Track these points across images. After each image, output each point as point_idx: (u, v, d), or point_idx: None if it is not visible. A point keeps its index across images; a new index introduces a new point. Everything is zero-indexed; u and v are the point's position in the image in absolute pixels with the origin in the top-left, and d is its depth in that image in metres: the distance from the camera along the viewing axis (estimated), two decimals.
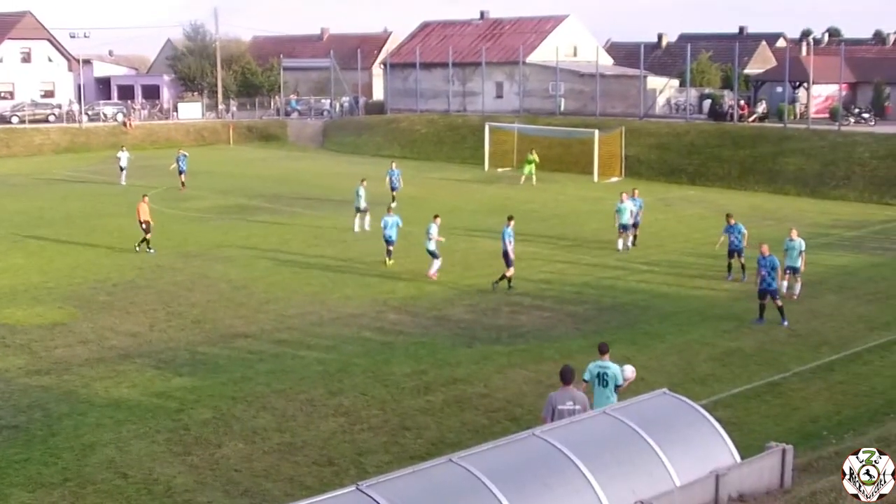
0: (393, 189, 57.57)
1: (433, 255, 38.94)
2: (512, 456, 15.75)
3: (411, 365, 28.08)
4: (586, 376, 20.34)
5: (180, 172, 66.81)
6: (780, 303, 32.50)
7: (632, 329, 31.89)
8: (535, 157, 69.38)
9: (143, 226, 44.03)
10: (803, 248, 35.88)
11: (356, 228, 48.97)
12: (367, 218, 48.60)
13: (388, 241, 41.54)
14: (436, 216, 39.47)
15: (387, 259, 41.74)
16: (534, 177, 68.36)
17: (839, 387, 26.53)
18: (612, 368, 20.08)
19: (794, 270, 35.63)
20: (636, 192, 46.31)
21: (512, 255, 37.29)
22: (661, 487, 15.77)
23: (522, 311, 34.45)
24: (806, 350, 29.75)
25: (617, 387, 20.04)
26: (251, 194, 63.03)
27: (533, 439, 16.07)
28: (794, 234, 36.29)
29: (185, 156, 68.12)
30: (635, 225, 45.34)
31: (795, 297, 35.27)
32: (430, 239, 38.80)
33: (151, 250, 43.69)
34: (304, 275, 39.66)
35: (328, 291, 36.96)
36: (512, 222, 37.84)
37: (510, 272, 37.27)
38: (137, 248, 43.85)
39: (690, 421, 17.44)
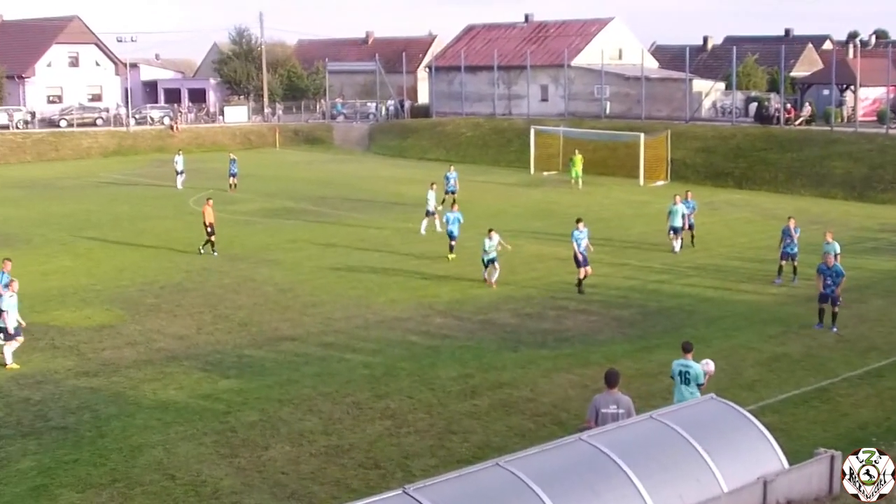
0: (451, 192, 57.83)
1: (491, 262, 38.52)
2: (559, 460, 15.74)
3: (457, 369, 28.11)
4: (672, 374, 21.38)
5: (231, 175, 67.95)
6: (837, 309, 32.30)
7: (677, 333, 31.65)
8: (578, 157, 69.22)
9: (208, 228, 44.34)
10: (838, 250, 35.62)
11: (422, 230, 49.49)
12: (437, 221, 49.03)
13: (451, 237, 43.32)
14: (490, 230, 38.78)
15: (449, 254, 43.21)
16: (580, 180, 68.35)
17: (888, 392, 26.31)
18: (695, 368, 20.86)
19: None
20: (689, 194, 46.62)
21: (581, 257, 37.51)
22: (709, 493, 15.73)
23: (568, 315, 34.41)
24: (854, 355, 29.53)
25: (699, 385, 20.76)
26: (297, 197, 63.27)
27: (580, 444, 16.05)
28: (829, 237, 36.18)
29: (234, 160, 69.44)
30: (690, 227, 45.67)
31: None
32: (486, 252, 38.29)
33: (215, 253, 44.03)
34: (350, 278, 39.78)
35: (374, 295, 37.05)
36: (580, 224, 37.94)
37: (585, 271, 37.53)
38: (202, 251, 44.22)
39: (738, 426, 17.37)
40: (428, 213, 49.41)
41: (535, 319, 33.78)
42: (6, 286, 30.04)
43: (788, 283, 38.19)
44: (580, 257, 37.50)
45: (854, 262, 38.82)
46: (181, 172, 69.11)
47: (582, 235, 37.62)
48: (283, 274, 40.43)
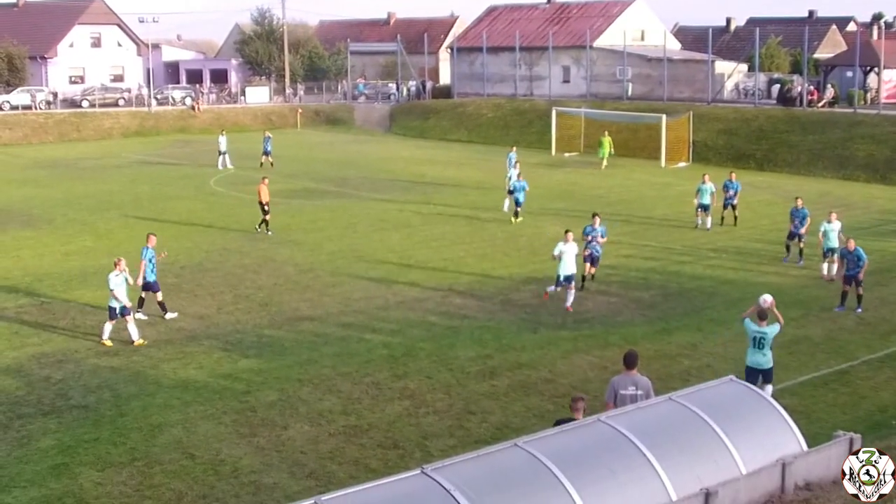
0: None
1: (568, 281, 32.89)
2: (577, 441, 15.73)
3: (476, 349, 28.11)
4: (747, 334, 23.19)
5: (265, 153, 68.64)
6: (861, 291, 32.31)
7: (698, 315, 31.73)
8: (607, 138, 69.35)
9: (265, 207, 44.57)
10: (837, 229, 36.27)
11: (505, 208, 49.85)
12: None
13: (517, 203, 47.24)
14: (567, 232, 33.64)
15: (514, 218, 47.06)
16: (604, 160, 68.52)
17: None
18: (770, 334, 22.80)
19: (834, 252, 35.87)
20: (733, 175, 47.62)
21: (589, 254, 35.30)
22: (727, 475, 15.69)
23: (588, 296, 34.34)
24: (874, 338, 29.43)
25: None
26: (318, 178, 63.29)
27: (599, 425, 16.03)
28: (834, 217, 36.74)
29: (269, 137, 70.09)
30: (733, 207, 46.43)
31: (834, 279, 35.44)
32: (560, 256, 32.68)
33: (269, 232, 44.18)
34: (370, 259, 39.78)
35: (394, 275, 37.05)
36: (596, 219, 35.45)
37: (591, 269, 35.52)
38: (258, 229, 44.53)
39: (757, 408, 17.32)
40: (510, 192, 49.63)
41: (555, 300, 33.68)
42: (150, 261, 31.32)
43: (796, 263, 38.25)
44: (588, 255, 35.36)
45: (876, 245, 38.66)
46: (224, 152, 68.79)
47: (596, 232, 35.21)
48: (304, 254, 40.47)
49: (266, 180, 45.62)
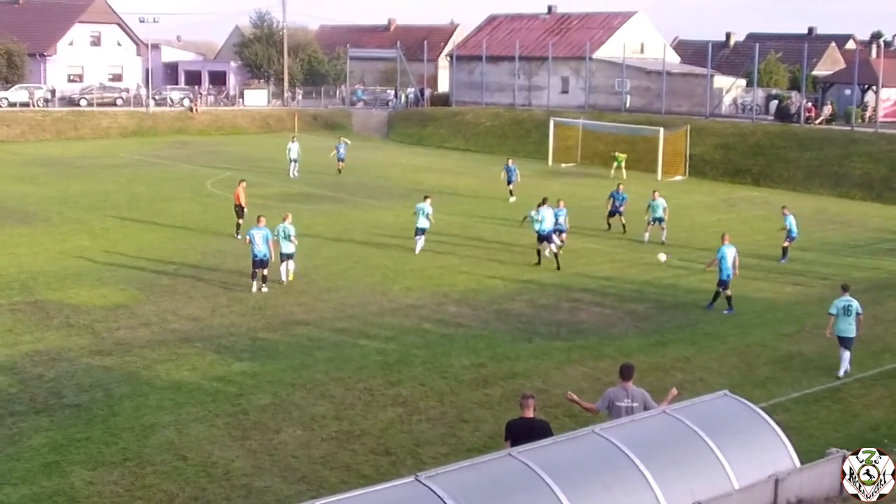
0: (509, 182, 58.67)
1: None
2: (571, 452, 15.73)
3: (470, 358, 28.12)
4: (832, 310, 27.35)
5: (340, 159, 68.71)
6: (728, 293, 33.93)
7: (692, 329, 31.74)
8: (622, 155, 70.18)
9: (238, 210, 44.46)
10: None
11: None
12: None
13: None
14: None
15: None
16: (614, 170, 69.14)
17: None
18: (855, 303, 27.18)
19: None
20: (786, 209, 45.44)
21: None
22: (720, 490, 15.71)
23: (582, 307, 34.38)
24: (867, 356, 29.40)
25: (858, 314, 27.12)
26: (315, 183, 63.25)
27: (593, 436, 16.04)
28: None
29: (346, 143, 70.40)
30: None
31: None
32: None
33: (238, 236, 43.51)
34: (366, 265, 39.78)
35: (389, 282, 37.05)
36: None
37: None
38: (237, 236, 43.83)
39: (750, 423, 17.34)
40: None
41: (550, 311, 33.75)
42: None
43: (803, 282, 38.56)
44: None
45: (871, 263, 38.75)
46: (295, 160, 66.85)
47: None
48: (299, 259, 40.21)
49: (244, 183, 45.32)
